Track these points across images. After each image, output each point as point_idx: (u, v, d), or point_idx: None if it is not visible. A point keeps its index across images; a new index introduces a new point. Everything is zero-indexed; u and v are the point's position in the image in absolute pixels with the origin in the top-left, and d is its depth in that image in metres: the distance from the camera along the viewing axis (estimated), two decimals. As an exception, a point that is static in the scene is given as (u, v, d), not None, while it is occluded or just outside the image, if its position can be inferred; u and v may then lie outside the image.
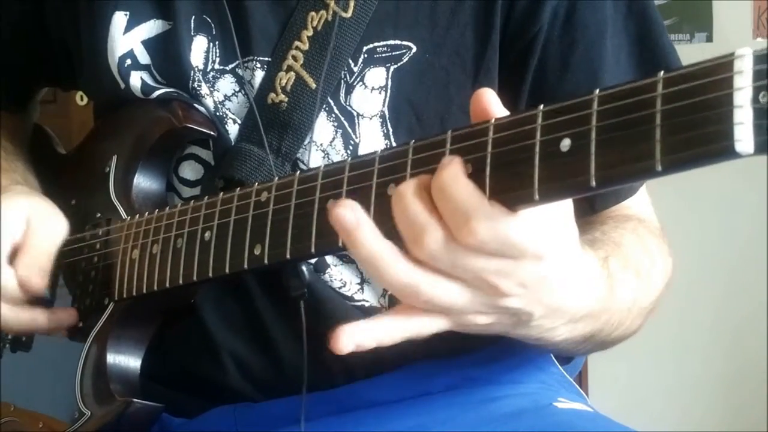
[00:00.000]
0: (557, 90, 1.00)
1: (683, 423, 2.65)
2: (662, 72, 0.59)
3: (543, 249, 0.70)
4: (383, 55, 1.01)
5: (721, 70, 0.56)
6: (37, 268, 1.02)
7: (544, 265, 0.71)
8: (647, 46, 1.03)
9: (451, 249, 0.69)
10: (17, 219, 1.03)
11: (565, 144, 0.63)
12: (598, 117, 0.62)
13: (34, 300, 1.03)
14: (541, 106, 0.65)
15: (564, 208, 0.71)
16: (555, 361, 1.10)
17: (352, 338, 0.73)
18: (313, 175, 0.81)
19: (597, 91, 0.62)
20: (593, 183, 0.62)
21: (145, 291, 0.98)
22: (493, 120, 0.68)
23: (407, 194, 0.70)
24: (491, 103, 0.70)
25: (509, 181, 0.66)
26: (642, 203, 1.07)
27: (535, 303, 0.75)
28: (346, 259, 1.00)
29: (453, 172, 0.68)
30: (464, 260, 0.70)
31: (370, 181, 0.75)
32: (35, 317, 1.03)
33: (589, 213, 1.03)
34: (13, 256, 1.03)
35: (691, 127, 0.57)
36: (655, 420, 2.65)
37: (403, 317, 0.75)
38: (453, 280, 0.72)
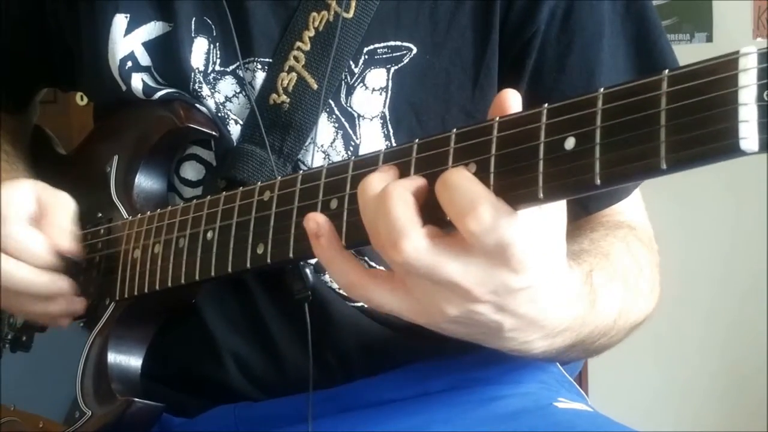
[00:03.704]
0: (553, 91, 1.00)
1: (683, 423, 2.66)
2: (666, 70, 0.59)
3: (525, 263, 0.69)
4: (384, 56, 1.01)
5: (725, 68, 0.56)
6: (65, 229, 1.03)
7: (520, 278, 0.70)
8: (645, 48, 1.03)
9: (432, 253, 0.68)
10: (28, 194, 1.03)
11: (570, 143, 0.63)
12: (603, 116, 0.62)
13: (62, 266, 1.03)
14: (546, 105, 0.65)
15: (558, 226, 0.71)
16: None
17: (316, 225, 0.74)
18: (316, 175, 0.80)
19: (602, 89, 0.62)
20: (598, 181, 0.61)
21: (146, 291, 0.98)
22: (497, 118, 0.68)
23: (393, 195, 0.69)
24: (512, 107, 0.69)
25: (514, 179, 0.66)
26: (635, 208, 1.07)
27: (505, 314, 0.74)
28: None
29: (457, 169, 0.68)
30: (444, 266, 0.68)
31: None
32: (56, 280, 1.02)
33: (582, 215, 1.03)
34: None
35: (695, 125, 0.57)
36: (655, 420, 2.65)
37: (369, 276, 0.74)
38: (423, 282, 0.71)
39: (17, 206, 1.01)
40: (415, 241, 0.68)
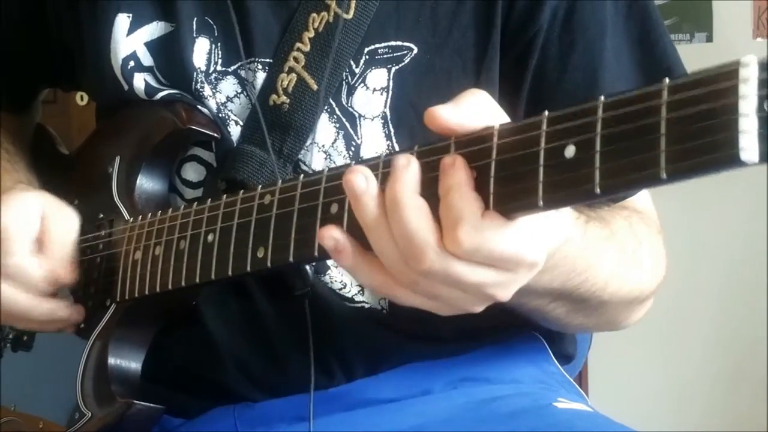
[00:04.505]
0: (556, 90, 1.00)
1: (683, 423, 2.66)
2: (667, 79, 0.59)
3: (539, 255, 0.70)
4: (384, 56, 1.01)
5: (725, 77, 0.56)
6: (64, 258, 1.02)
7: (535, 270, 0.72)
8: (648, 47, 1.02)
9: (458, 262, 0.69)
10: (33, 213, 1.02)
11: (570, 151, 0.63)
12: (603, 124, 0.62)
13: (56, 292, 1.03)
14: (546, 113, 0.65)
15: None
16: (555, 361, 1.11)
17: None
18: (317, 179, 0.80)
19: (602, 97, 0.62)
20: (598, 191, 0.62)
21: (147, 292, 0.98)
22: (497, 126, 0.68)
23: (407, 204, 0.69)
24: (449, 120, 0.70)
25: (513, 187, 0.66)
26: (641, 196, 1.06)
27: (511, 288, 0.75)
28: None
29: (462, 177, 0.68)
30: (470, 274, 0.69)
31: None
32: (55, 308, 1.03)
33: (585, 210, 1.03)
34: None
35: (695, 136, 0.57)
36: (655, 420, 2.65)
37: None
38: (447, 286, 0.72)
39: (22, 226, 1.00)
40: (435, 250, 0.69)
